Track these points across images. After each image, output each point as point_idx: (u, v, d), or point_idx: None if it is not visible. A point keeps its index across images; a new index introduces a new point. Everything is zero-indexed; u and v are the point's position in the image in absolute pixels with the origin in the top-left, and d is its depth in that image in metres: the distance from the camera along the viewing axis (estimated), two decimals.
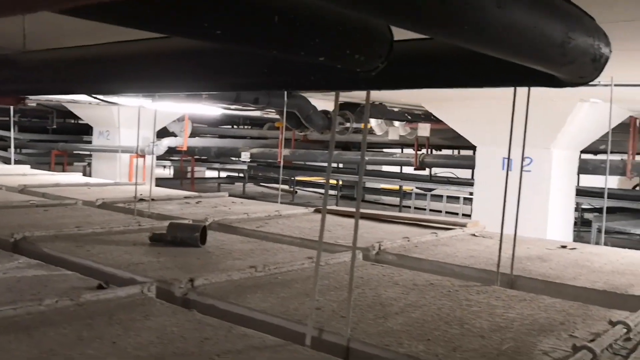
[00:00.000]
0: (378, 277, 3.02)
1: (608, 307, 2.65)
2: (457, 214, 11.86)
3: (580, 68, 1.17)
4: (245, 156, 11.56)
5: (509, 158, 3.21)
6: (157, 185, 8.94)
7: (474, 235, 4.48)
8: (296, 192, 16.51)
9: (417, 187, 13.25)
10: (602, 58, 1.17)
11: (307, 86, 2.38)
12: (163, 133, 11.93)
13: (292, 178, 15.16)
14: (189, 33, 1.25)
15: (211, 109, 8.21)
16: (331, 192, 16.34)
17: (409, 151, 12.60)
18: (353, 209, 5.46)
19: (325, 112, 6.98)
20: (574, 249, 4.10)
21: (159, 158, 14.34)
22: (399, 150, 14.53)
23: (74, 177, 8.13)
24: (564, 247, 4.15)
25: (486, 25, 0.92)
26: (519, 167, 7.93)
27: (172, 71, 1.87)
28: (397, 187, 14.56)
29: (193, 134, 13.69)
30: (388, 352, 1.98)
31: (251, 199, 9.37)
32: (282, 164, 6.73)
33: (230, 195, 6.71)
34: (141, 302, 2.37)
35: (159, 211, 4.94)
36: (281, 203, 6.35)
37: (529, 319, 2.41)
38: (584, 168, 8.83)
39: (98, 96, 6.47)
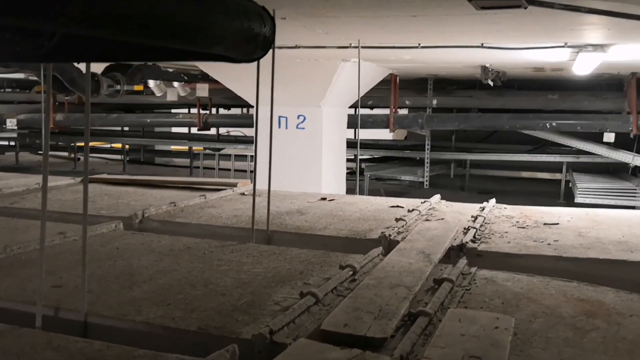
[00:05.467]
0: (135, 246, 3.00)
1: (347, 252, 2.94)
2: (245, 171, 12.10)
3: (237, 47, 1.27)
4: (11, 123, 10.47)
5: (252, 116, 3.34)
6: None
7: (243, 194, 4.64)
8: (79, 159, 15.47)
9: (206, 147, 13.21)
10: (258, 37, 1.29)
11: None
12: None
13: (72, 144, 14.13)
14: None
15: None
16: (117, 156, 15.59)
17: (195, 111, 12.44)
18: (123, 177, 5.31)
19: (93, 75, 6.59)
20: (333, 200, 4.46)
21: None
22: (185, 111, 14.27)
23: None
24: (324, 199, 4.49)
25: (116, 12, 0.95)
26: (295, 125, 8.27)
27: None
28: (186, 148, 14.38)
29: None
30: (125, 322, 2.00)
31: (26, 169, 8.53)
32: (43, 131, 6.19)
33: None
34: None
35: None
36: (63, 171, 5.93)
37: (272, 272, 2.59)
38: (354, 123, 9.49)
39: None
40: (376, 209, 4.02)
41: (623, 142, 9.42)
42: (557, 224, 3.59)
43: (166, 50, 1.20)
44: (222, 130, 14.17)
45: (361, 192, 10.54)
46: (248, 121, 10.63)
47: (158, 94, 9.10)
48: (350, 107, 8.38)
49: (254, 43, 1.29)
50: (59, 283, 2.37)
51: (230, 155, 12.78)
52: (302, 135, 7.50)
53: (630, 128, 8.50)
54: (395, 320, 1.97)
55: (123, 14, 0.95)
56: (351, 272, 2.50)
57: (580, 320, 2.07)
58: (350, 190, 8.13)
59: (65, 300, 2.17)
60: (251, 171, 11.82)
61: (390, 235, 3.15)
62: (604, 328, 2.01)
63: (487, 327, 1.91)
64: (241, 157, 12.81)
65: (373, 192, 11.14)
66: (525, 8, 2.32)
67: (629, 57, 5.79)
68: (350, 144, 8.98)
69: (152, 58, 1.84)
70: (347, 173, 8.79)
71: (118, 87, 6.81)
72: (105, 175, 5.23)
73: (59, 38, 1.09)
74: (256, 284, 2.41)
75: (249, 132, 13.70)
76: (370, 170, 11.09)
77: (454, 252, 3.00)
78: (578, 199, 7.95)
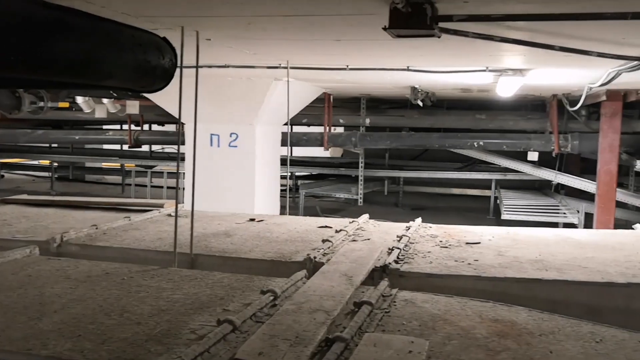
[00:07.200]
0: (50, 273, 2.88)
1: (272, 276, 2.91)
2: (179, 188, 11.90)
3: (131, 80, 1.26)
4: None
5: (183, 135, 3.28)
6: None
7: (170, 215, 4.53)
8: (2, 176, 14.84)
9: (138, 165, 12.93)
10: (156, 69, 1.28)
11: None
12: None
13: None
14: None
15: None
16: (45, 173, 15.06)
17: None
18: (44, 197, 5.11)
19: (13, 92, 6.33)
20: (262, 220, 4.42)
21: None
22: (117, 127, 13.94)
23: None
24: (252, 219, 4.45)
25: None
26: (227, 143, 8.19)
27: None
28: (118, 165, 14.03)
29: None
30: (30, 357, 1.91)
31: None
32: None
33: None
34: None
35: None
36: None
37: (192, 298, 2.54)
38: (287, 141, 9.49)
39: None
40: (305, 230, 4.02)
41: (547, 161, 9.84)
42: (479, 243, 3.69)
43: (59, 82, 1.17)
44: (157, 147, 13.91)
45: (297, 210, 10.56)
46: (181, 139, 10.47)
47: (87, 110, 8.85)
48: (292, 124, 8.39)
49: (151, 75, 1.28)
50: None
51: (162, 172, 12.54)
52: (234, 154, 7.45)
53: (552, 147, 8.88)
54: (312, 346, 1.96)
55: (5, 53, 0.92)
56: (272, 297, 2.48)
57: (493, 341, 2.13)
58: (285, 208, 8.12)
59: None
60: (183, 188, 11.68)
61: (315, 257, 3.15)
62: (514, 349, 2.07)
63: (401, 351, 1.93)
64: (175, 175, 12.59)
65: (309, 209, 11.19)
66: (439, 37, 2.40)
67: (546, 81, 6.07)
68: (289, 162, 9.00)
69: (46, 87, 1.78)
70: (282, 191, 8.78)
71: (42, 103, 6.57)
72: (25, 196, 5.02)
73: None
74: (174, 312, 2.35)
75: (183, 149, 13.48)
76: (305, 187, 11.13)
77: (377, 273, 3.03)
78: (504, 216, 8.22)
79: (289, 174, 11.59)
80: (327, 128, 9.44)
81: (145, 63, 1.27)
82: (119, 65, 1.20)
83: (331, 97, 9.36)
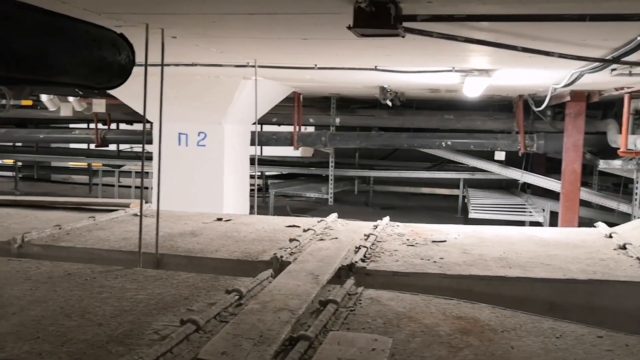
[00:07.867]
0: (10, 274, 2.82)
1: (239, 275, 2.90)
2: (147, 188, 11.75)
3: (86, 76, 1.24)
4: None
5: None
6: None
7: (136, 215, 4.48)
8: None
9: (105, 164, 12.74)
10: (112, 66, 1.27)
11: None
12: None
13: None
14: None
15: None
16: (9, 173, 14.75)
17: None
18: (5, 197, 5.00)
19: None
20: (229, 220, 4.40)
21: None
22: (84, 126, 13.71)
23: None
24: (220, 219, 4.42)
25: None
26: (195, 142, 8.12)
27: None
28: (85, 164, 13.81)
29: None
30: None
31: None
32: None
33: None
34: None
35: None
36: None
37: (156, 298, 2.51)
38: (258, 140, 9.46)
39: None
40: (273, 229, 4.01)
41: (513, 160, 9.99)
42: (445, 241, 3.73)
43: (8, 77, 1.14)
44: (125, 146, 13.71)
45: (267, 209, 10.52)
46: (149, 137, 10.34)
47: (52, 108, 8.67)
48: (261, 123, 8.33)
49: (107, 71, 1.26)
50: None
51: (130, 172, 12.38)
52: (203, 153, 7.39)
53: (519, 147, 9.02)
54: (275, 345, 1.96)
55: None
56: (237, 297, 2.46)
57: (455, 338, 2.15)
58: (254, 208, 8.04)
59: None
60: (151, 188, 11.48)
61: (282, 256, 3.14)
62: (476, 345, 2.09)
63: (364, 349, 1.94)
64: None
65: (279, 209, 11.16)
66: (403, 37, 2.42)
67: (511, 81, 6.16)
68: (259, 161, 8.96)
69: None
70: (252, 190, 8.74)
71: (4, 101, 6.42)
72: None
73: None
74: (137, 312, 2.32)
75: (151, 148, 13.32)
76: (275, 187, 11.10)
77: (344, 272, 3.04)
78: (471, 215, 8.32)
79: (259, 173, 11.55)
80: (297, 127, 9.43)
81: (101, 59, 1.25)
82: (72, 61, 1.17)
83: (301, 96, 9.35)
